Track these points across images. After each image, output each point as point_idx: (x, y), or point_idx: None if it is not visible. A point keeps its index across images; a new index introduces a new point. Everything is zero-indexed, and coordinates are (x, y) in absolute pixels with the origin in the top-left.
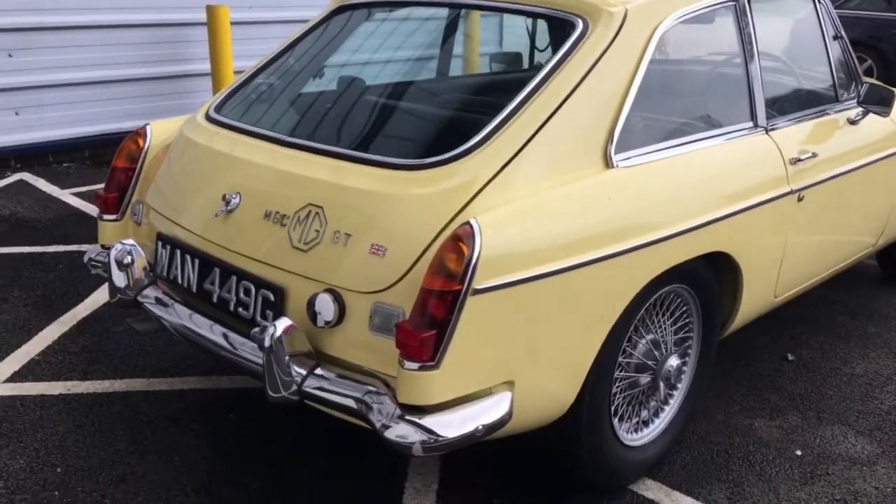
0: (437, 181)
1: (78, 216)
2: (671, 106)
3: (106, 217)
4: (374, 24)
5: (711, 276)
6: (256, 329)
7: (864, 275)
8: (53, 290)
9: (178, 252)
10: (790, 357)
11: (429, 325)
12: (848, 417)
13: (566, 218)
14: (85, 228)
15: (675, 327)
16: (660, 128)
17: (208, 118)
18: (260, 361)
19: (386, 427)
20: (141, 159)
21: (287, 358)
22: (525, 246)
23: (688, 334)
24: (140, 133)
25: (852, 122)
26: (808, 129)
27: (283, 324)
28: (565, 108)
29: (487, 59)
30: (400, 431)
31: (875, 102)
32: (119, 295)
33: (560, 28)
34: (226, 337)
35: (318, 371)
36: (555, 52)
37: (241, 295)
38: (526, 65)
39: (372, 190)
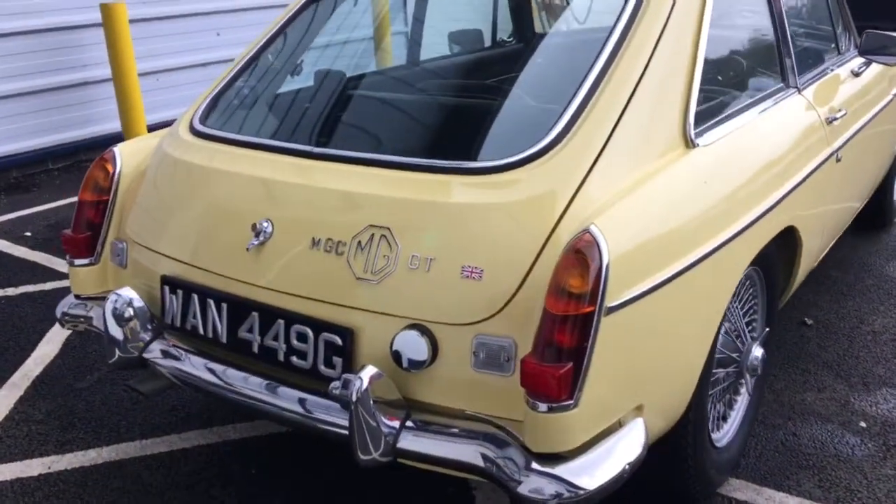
0: (523, 185)
1: None
2: (724, 73)
3: (78, 262)
4: (361, 7)
5: (776, 253)
6: (335, 384)
7: None
8: None
9: (196, 297)
10: (808, 321)
11: (560, 356)
12: (892, 379)
13: (674, 212)
14: (3, 268)
15: (743, 311)
16: (719, 98)
17: (195, 132)
18: (332, 419)
19: (516, 482)
20: (113, 189)
21: (375, 412)
22: (646, 249)
23: (753, 317)
24: (107, 158)
25: (856, 74)
26: (828, 86)
27: (369, 374)
28: (643, 85)
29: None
30: (534, 485)
31: (879, 51)
32: (120, 354)
33: None
34: (282, 394)
35: (411, 423)
36: (612, 23)
37: (295, 342)
38: (488, 42)
39: (448, 202)
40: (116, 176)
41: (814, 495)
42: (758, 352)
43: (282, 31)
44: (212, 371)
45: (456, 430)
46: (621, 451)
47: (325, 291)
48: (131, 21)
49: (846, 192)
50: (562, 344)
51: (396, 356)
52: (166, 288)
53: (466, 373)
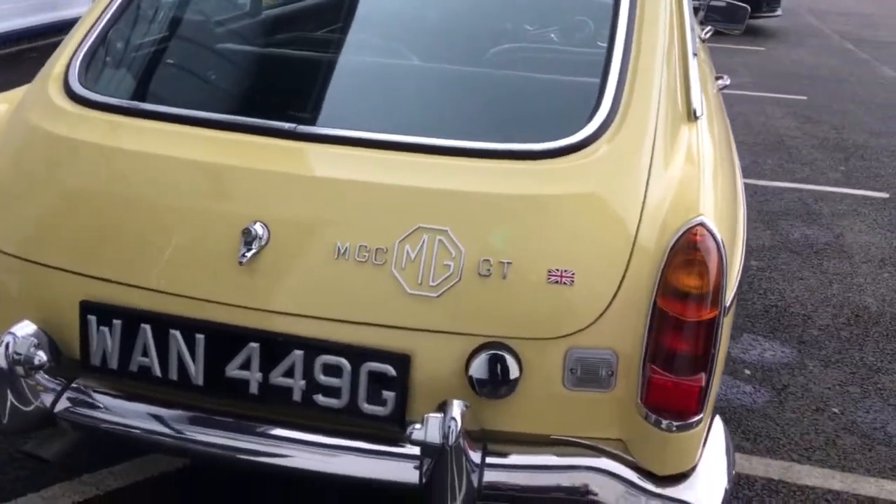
0: (596, 169)
1: None
2: None
3: None
4: None
5: None
6: (415, 426)
7: None
8: None
9: (149, 330)
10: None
11: (689, 366)
12: (744, 324)
13: (725, 194)
14: None
15: None
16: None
17: (77, 98)
18: (402, 470)
19: None
20: None
21: (468, 453)
22: (729, 237)
23: None
24: None
25: (703, 40)
26: (702, 52)
27: (459, 410)
28: (668, 52)
29: None
30: None
31: (722, 19)
32: (24, 412)
33: None
34: (326, 449)
35: (495, 459)
36: None
37: (321, 377)
38: None
39: (523, 194)
40: None
41: (746, 449)
42: None
43: None
44: (198, 422)
45: (549, 459)
46: (720, 457)
47: (364, 312)
48: None
49: None
50: (688, 352)
51: (471, 382)
52: (91, 318)
53: (557, 393)
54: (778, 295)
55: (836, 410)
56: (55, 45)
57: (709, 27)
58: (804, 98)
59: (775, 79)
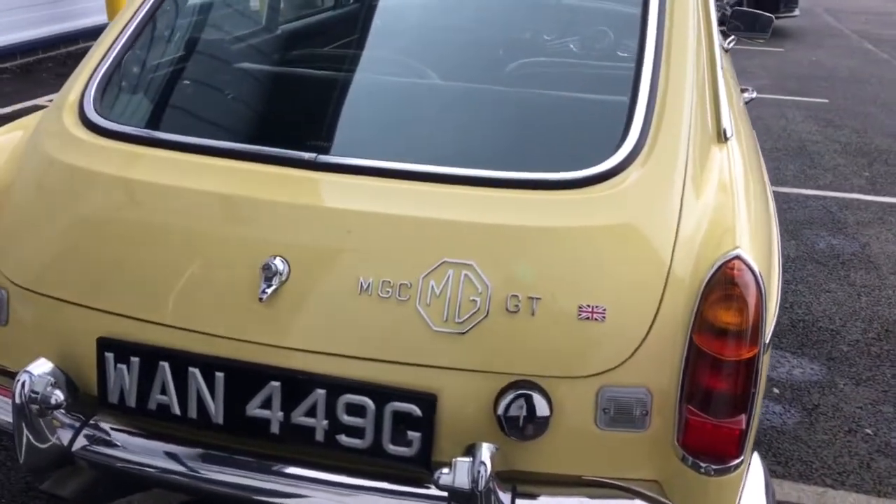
0: (627, 198)
1: None
2: None
3: None
4: None
5: None
6: (442, 471)
7: None
8: None
9: (167, 367)
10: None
11: (729, 407)
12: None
13: (759, 223)
14: None
15: None
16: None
17: (93, 127)
18: None
19: None
20: None
21: (499, 496)
22: (766, 267)
23: None
24: None
25: (726, 51)
26: (727, 63)
27: (489, 454)
28: (697, 71)
29: None
30: None
31: (746, 28)
32: (43, 450)
33: None
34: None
35: (525, 501)
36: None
37: (344, 416)
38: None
39: (553, 226)
40: None
41: (778, 473)
42: None
43: None
44: (217, 461)
45: (581, 501)
46: (759, 498)
47: (389, 350)
48: None
49: None
50: (727, 392)
51: (500, 422)
52: (109, 356)
53: (589, 433)
54: (805, 309)
55: (869, 431)
56: (70, 55)
57: (732, 36)
58: (825, 101)
59: (795, 81)
